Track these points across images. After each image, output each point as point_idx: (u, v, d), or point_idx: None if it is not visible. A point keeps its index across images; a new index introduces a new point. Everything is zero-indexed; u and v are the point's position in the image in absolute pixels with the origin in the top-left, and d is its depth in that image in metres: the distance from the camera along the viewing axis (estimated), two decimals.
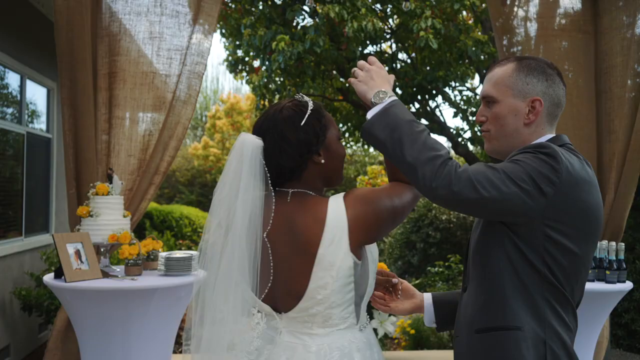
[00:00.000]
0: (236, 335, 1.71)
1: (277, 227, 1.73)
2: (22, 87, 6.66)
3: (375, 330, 3.84)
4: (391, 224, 1.76)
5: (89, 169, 3.73)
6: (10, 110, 6.54)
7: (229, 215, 1.69)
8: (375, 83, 1.68)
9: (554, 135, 1.74)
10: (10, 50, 6.08)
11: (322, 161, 1.76)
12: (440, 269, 7.17)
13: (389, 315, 3.85)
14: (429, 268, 7.23)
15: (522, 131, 1.73)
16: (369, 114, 1.62)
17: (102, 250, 3.56)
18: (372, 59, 1.77)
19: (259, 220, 1.70)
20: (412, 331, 6.55)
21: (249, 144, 1.71)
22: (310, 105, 1.78)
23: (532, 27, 4.62)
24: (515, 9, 4.60)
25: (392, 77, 1.77)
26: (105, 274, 3.33)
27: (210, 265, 1.69)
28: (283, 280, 1.72)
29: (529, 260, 1.60)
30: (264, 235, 1.72)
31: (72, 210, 3.75)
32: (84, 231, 3.42)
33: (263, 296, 1.74)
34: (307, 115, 1.74)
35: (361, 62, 1.75)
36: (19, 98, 6.64)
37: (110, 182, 3.59)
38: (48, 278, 3.25)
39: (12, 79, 6.54)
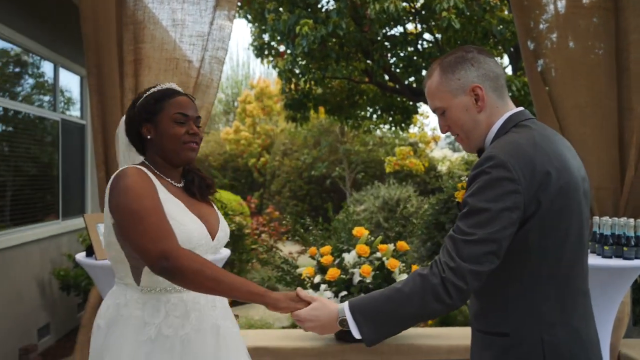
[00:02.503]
0: None
1: None
2: (55, 75, 6.88)
3: None
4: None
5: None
6: (46, 98, 6.77)
7: None
8: (323, 322, 1.78)
9: (510, 113, 1.77)
10: (44, 40, 6.29)
11: (149, 137, 2.04)
12: None
13: None
14: None
15: (480, 119, 1.77)
16: (357, 336, 1.69)
17: None
18: (294, 313, 1.88)
19: None
20: None
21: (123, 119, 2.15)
22: (159, 87, 2.10)
23: (561, 4, 4.58)
24: None
25: (315, 302, 1.85)
26: None
27: None
28: None
29: (518, 255, 1.65)
30: None
31: (102, 192, 3.91)
32: None
33: None
34: (145, 95, 2.08)
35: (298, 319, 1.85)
36: (53, 86, 6.87)
37: None
38: (80, 256, 3.41)
39: (47, 68, 6.77)
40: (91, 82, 3.89)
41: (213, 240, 2.09)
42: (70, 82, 7.35)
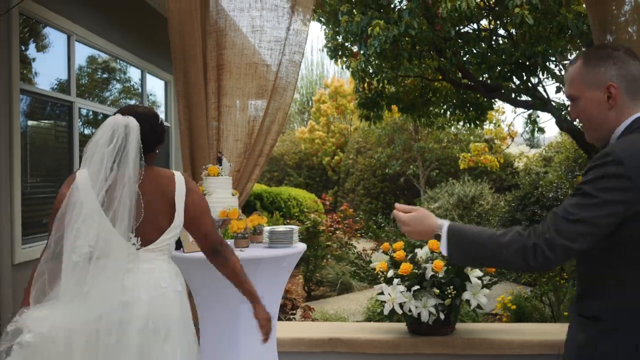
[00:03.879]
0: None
1: (146, 182, 2.42)
2: (142, 80, 7.31)
3: (468, 301, 3.98)
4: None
5: (202, 153, 4.15)
6: (132, 102, 7.21)
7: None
8: (422, 229, 2.02)
9: (639, 114, 1.84)
10: (132, 48, 6.71)
11: (157, 151, 2.56)
12: None
13: (482, 287, 3.99)
14: None
15: (608, 117, 1.86)
16: (444, 252, 1.94)
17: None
18: (397, 214, 2.08)
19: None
20: (514, 307, 6.60)
21: (134, 124, 2.39)
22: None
23: None
24: None
25: (418, 213, 2.05)
26: None
27: None
28: (150, 219, 2.40)
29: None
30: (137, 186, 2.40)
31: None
32: None
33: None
34: (161, 121, 2.59)
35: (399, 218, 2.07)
36: (140, 91, 7.31)
37: (220, 164, 3.98)
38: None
39: (134, 74, 7.20)
40: (179, 89, 4.17)
41: None
42: (155, 86, 7.79)
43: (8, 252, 4.58)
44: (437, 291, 3.91)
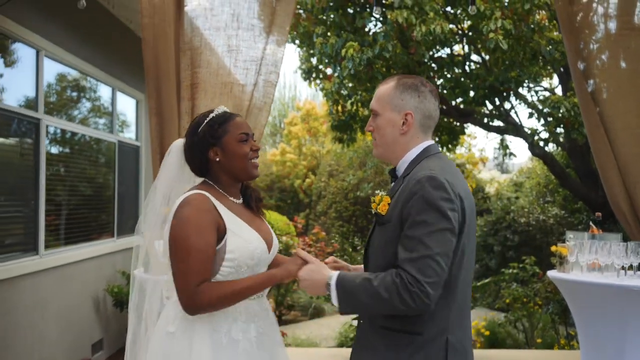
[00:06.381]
0: None
1: None
2: (113, 99, 7.16)
3: None
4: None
5: None
6: (102, 121, 7.06)
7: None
8: (313, 283, 2.06)
9: (429, 144, 2.08)
10: (103, 65, 6.58)
11: (217, 159, 2.21)
12: (515, 271, 7.17)
13: None
14: (502, 270, 7.21)
15: (399, 140, 2.07)
16: (334, 303, 2.00)
17: None
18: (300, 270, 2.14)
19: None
20: (487, 332, 6.57)
21: (176, 144, 2.38)
22: (216, 112, 2.26)
23: (612, 25, 4.50)
24: (595, 5, 4.50)
25: (314, 266, 2.11)
26: None
27: None
28: None
29: None
30: None
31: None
32: None
33: None
34: (206, 121, 2.24)
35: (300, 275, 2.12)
36: (110, 109, 7.15)
37: None
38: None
39: (104, 92, 7.06)
40: (151, 105, 4.06)
41: (269, 252, 2.30)
42: (126, 105, 7.64)
43: None
44: None
